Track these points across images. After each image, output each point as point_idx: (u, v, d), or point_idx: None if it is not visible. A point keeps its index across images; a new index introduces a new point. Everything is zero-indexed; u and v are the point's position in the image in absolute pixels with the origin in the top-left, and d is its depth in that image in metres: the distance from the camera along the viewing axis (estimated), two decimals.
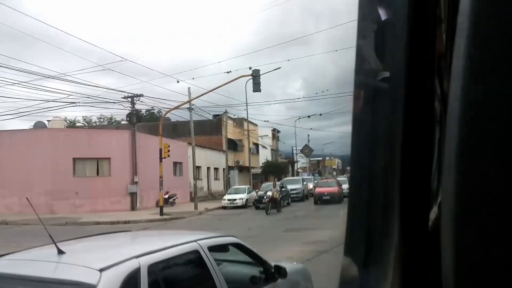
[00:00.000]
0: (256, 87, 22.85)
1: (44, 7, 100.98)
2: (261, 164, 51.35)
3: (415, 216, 0.67)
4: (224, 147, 39.42)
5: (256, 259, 4.17)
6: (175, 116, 45.29)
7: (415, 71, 0.65)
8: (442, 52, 0.69)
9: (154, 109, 45.00)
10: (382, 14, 0.73)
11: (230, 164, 41.54)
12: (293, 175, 54.36)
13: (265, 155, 55.39)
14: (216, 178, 41.92)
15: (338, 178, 35.46)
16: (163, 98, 61.80)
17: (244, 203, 27.59)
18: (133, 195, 26.41)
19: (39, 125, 32.20)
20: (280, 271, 4.08)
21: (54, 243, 2.87)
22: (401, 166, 0.66)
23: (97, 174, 26.05)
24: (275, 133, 63.77)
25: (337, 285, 0.85)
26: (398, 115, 0.66)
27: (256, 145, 52.72)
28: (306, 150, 51.60)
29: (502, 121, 0.45)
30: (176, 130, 40.28)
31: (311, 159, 69.96)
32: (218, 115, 38.88)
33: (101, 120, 60.25)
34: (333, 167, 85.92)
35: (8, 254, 3.13)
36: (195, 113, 30.03)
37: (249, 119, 44.54)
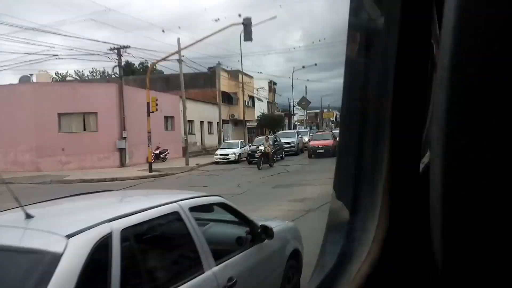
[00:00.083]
0: (248, 36, 22.11)
1: None
2: (256, 118, 50.42)
3: (406, 158, 0.66)
4: (218, 100, 38.27)
5: (243, 219, 3.97)
6: (169, 70, 43.81)
7: (411, 14, 0.63)
8: None
9: (147, 62, 43.56)
10: None
11: (224, 117, 40.58)
12: (290, 128, 53.47)
13: (261, 108, 54.34)
14: (210, 133, 41.08)
15: (334, 131, 34.62)
16: (152, 50, 59.85)
17: (237, 158, 26.86)
18: (122, 151, 25.62)
19: (24, 79, 31.05)
20: (267, 232, 3.88)
21: (21, 206, 2.57)
22: (392, 107, 0.65)
23: (84, 129, 25.14)
24: (272, 85, 62.33)
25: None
26: (391, 56, 0.65)
27: (252, 98, 51.54)
28: (303, 103, 50.55)
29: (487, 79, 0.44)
30: (169, 83, 38.96)
31: (309, 111, 69.13)
32: (212, 67, 37.71)
33: (93, 74, 58.82)
34: (331, 119, 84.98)
35: None
36: (189, 66, 28.85)
37: (246, 71, 43.21)
